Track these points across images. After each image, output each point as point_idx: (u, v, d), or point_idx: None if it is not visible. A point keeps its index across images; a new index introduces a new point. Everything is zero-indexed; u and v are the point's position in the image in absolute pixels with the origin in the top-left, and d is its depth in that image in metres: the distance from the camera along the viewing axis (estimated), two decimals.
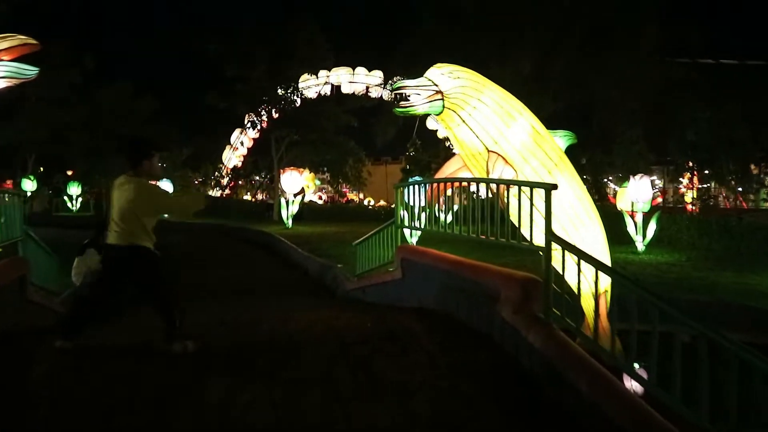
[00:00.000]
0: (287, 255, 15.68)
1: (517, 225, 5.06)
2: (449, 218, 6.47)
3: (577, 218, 5.91)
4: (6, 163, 36.23)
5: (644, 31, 21.03)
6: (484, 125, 5.99)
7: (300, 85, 29.07)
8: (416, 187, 7.22)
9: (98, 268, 9.95)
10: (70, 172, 38.52)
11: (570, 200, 5.86)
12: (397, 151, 37.33)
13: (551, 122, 7.04)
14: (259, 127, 29.24)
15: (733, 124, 19.89)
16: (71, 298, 8.02)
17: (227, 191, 38.17)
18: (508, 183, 5.43)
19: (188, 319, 4.80)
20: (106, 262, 4.76)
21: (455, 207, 6.49)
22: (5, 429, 3.37)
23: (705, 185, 21.73)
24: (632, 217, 15.46)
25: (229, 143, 37.38)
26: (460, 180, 6.36)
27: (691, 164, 21.82)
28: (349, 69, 32.85)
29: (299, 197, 24.31)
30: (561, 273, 4.49)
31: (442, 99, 6.01)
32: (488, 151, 6.02)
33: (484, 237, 5.52)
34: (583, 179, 7.79)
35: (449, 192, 6.72)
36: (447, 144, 26.86)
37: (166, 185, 26.95)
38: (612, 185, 28.45)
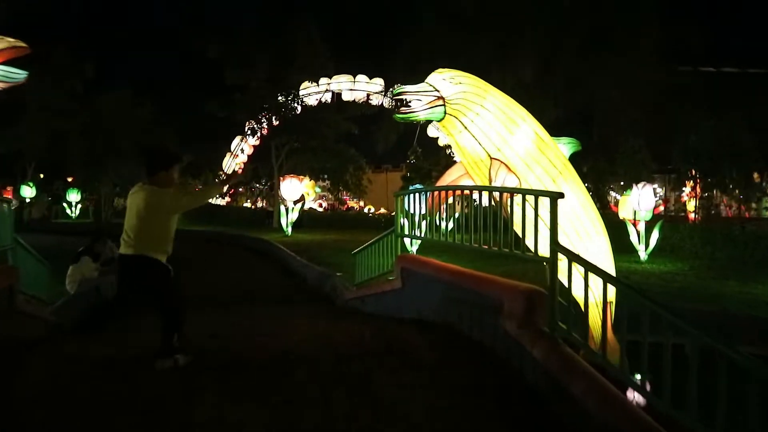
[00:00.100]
0: (286, 263, 15.52)
1: (521, 235, 4.88)
2: (450, 225, 6.31)
3: (581, 228, 5.74)
4: (6, 170, 36.13)
5: (645, 35, 20.93)
6: (487, 132, 5.84)
7: (300, 93, 28.97)
8: (417, 195, 7.07)
9: (93, 275, 9.85)
10: (70, 179, 38.42)
11: (574, 209, 5.70)
12: (398, 158, 37.13)
13: (553, 130, 6.90)
14: (259, 134, 29.11)
15: (737, 132, 19.71)
16: (65, 307, 7.87)
17: (227, 198, 38.02)
18: (512, 191, 5.26)
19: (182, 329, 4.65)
20: (119, 272, 4.69)
21: (456, 214, 6.32)
22: None
23: (707, 194, 21.51)
24: (634, 225, 15.31)
25: (230, 150, 37.27)
26: (462, 188, 6.19)
27: (694, 172, 21.61)
28: (350, 77, 32.78)
29: (299, 205, 24.15)
30: (565, 284, 4.33)
31: (444, 105, 5.86)
32: (491, 158, 5.87)
33: (486, 247, 5.34)
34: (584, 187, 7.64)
35: (450, 200, 6.56)
36: (448, 152, 26.71)
37: None
38: (613, 193, 28.27)
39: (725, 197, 23.52)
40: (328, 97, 31.63)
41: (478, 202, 5.75)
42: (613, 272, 6.05)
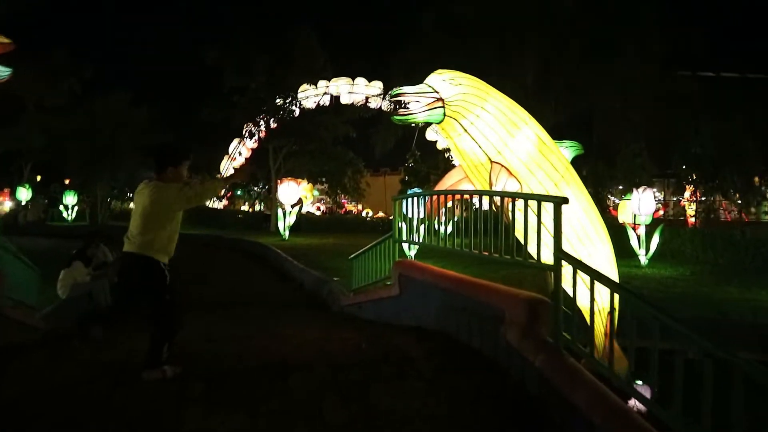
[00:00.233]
0: (283, 267, 15.36)
1: (522, 241, 4.72)
2: (449, 229, 6.15)
3: (584, 233, 5.59)
4: (2, 172, 35.97)
5: (645, 40, 20.84)
6: (487, 135, 5.68)
7: (299, 96, 28.84)
8: (415, 199, 6.91)
9: (85, 280, 9.67)
10: (67, 181, 38.23)
11: (577, 214, 5.54)
12: (397, 162, 37.00)
13: (552, 133, 6.75)
14: (257, 137, 28.97)
15: (738, 137, 19.66)
16: (55, 313, 7.70)
17: (224, 202, 37.86)
18: (514, 196, 5.09)
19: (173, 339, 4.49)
20: (119, 271, 4.63)
21: (455, 218, 6.16)
22: None
23: (708, 198, 21.45)
24: (634, 229, 15.20)
25: (227, 153, 37.11)
26: (462, 192, 6.03)
27: (694, 177, 21.55)
28: (349, 79, 32.63)
29: (296, 208, 24.01)
30: (567, 292, 4.18)
31: (443, 107, 5.71)
32: (491, 161, 5.71)
33: (487, 253, 5.18)
34: None
35: (450, 204, 6.39)
36: (447, 155, 26.58)
37: None
38: (612, 197, 28.18)
39: (725, 201, 23.46)
40: (326, 100, 31.48)
41: (477, 206, 5.60)
42: (616, 279, 5.91)
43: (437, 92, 5.71)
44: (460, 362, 4.67)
